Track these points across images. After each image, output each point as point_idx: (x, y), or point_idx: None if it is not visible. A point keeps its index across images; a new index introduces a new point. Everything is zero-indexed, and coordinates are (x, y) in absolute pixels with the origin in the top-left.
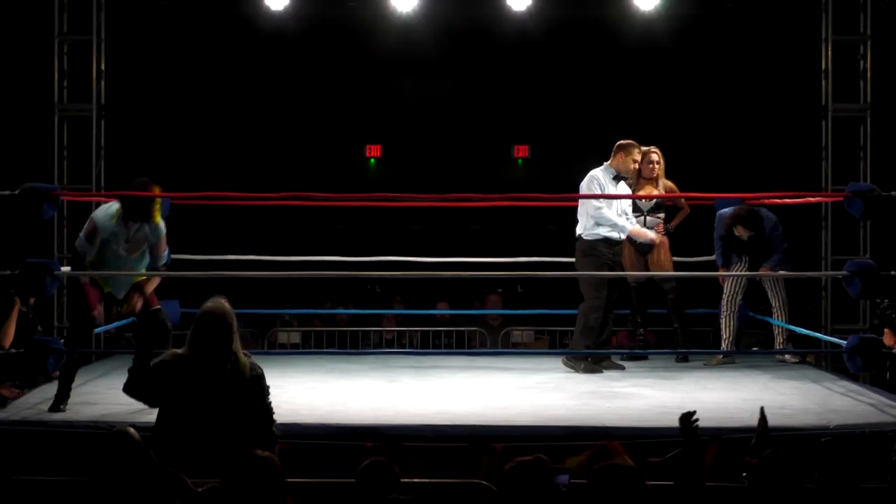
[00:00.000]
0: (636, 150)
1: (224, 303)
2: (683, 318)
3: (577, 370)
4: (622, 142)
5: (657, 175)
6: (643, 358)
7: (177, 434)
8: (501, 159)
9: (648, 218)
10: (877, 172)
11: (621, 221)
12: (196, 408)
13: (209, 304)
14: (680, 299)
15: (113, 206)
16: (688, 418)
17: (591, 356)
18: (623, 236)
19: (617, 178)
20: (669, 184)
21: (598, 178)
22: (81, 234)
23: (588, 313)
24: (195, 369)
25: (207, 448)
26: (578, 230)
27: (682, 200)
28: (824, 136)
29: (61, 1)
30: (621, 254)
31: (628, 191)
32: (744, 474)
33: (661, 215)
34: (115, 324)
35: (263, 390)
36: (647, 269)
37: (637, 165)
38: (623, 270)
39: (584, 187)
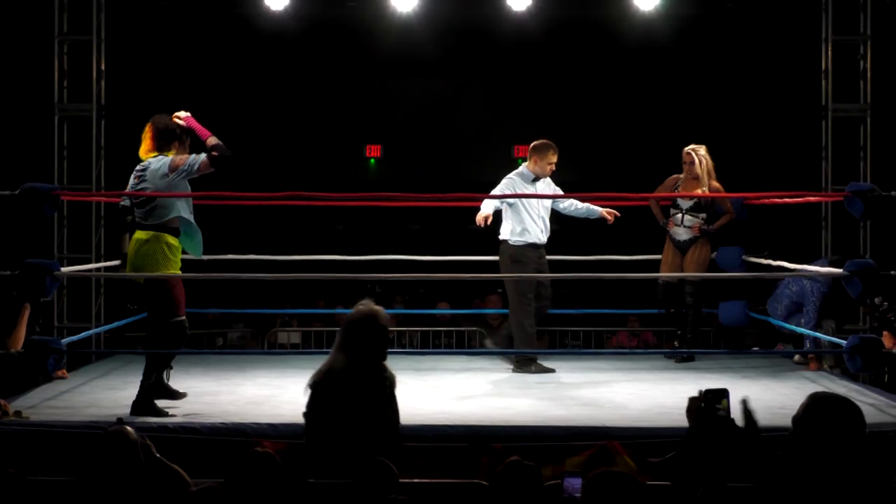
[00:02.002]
0: (551, 152)
1: (377, 307)
2: (699, 319)
3: (529, 372)
4: (536, 143)
5: (698, 174)
6: (690, 359)
7: (331, 439)
8: (501, 159)
9: (686, 216)
10: (877, 172)
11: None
12: (351, 412)
13: (365, 307)
14: (700, 301)
15: (164, 159)
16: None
17: (519, 358)
18: (544, 239)
19: (535, 180)
20: (715, 184)
21: (513, 180)
22: (185, 171)
23: (522, 321)
24: (352, 375)
25: (355, 452)
26: (501, 234)
27: (728, 204)
28: (824, 136)
29: (61, 1)
30: (545, 257)
31: (548, 192)
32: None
33: (702, 216)
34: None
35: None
36: (682, 269)
37: (553, 167)
38: (545, 275)
39: (499, 191)
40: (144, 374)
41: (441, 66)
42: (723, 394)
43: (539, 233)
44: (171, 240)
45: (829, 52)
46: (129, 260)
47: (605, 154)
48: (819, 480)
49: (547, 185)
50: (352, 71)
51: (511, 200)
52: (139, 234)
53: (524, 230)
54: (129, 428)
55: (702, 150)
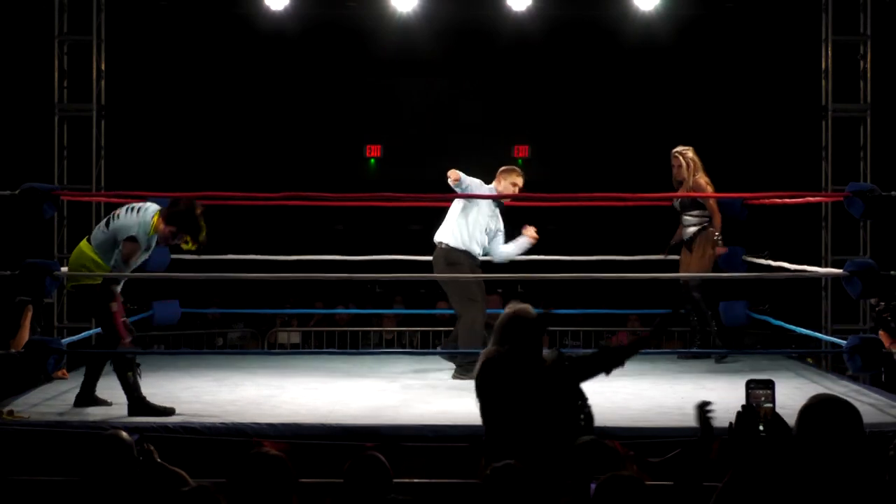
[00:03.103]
0: (514, 174)
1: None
2: (706, 319)
3: (472, 378)
4: (503, 168)
5: (684, 177)
6: (706, 356)
7: (511, 434)
8: (501, 159)
9: (684, 216)
10: (877, 172)
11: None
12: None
13: (518, 306)
14: (705, 300)
15: (147, 215)
16: (704, 407)
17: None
18: (479, 254)
19: (497, 204)
20: (701, 181)
21: (483, 188)
22: (118, 259)
23: (472, 326)
24: (515, 367)
25: (537, 443)
26: (442, 238)
27: (710, 202)
28: (824, 136)
29: (61, 1)
30: (479, 270)
31: (498, 215)
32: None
33: (696, 212)
34: None
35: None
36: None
37: (517, 189)
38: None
39: (476, 186)
40: (119, 379)
41: (441, 66)
42: (768, 385)
43: (477, 246)
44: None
45: (829, 52)
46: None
47: (605, 154)
48: (819, 481)
49: (499, 208)
50: (352, 71)
51: (468, 209)
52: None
53: (467, 239)
54: (123, 432)
55: (689, 152)
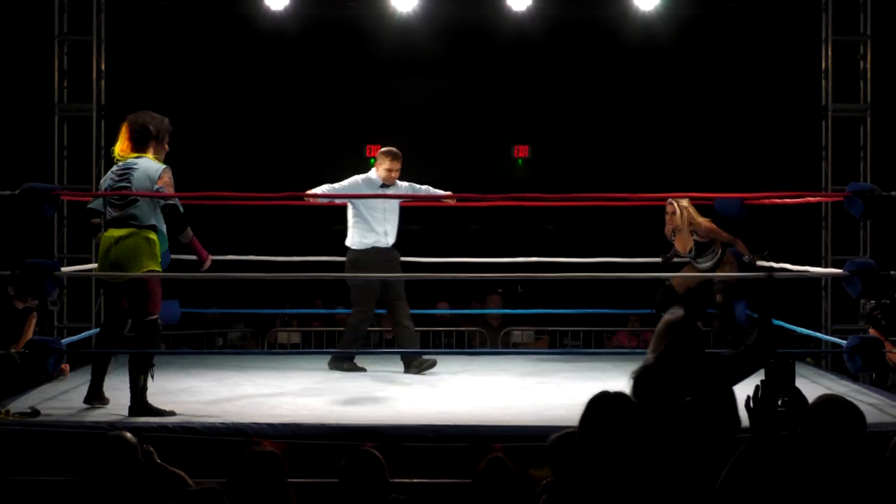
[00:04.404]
0: (386, 159)
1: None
2: (733, 319)
3: (342, 370)
4: (380, 151)
5: (679, 226)
6: None
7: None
8: (501, 159)
9: (697, 264)
10: (877, 172)
11: (318, 189)
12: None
13: (674, 314)
14: (729, 302)
15: (145, 160)
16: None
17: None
18: (390, 242)
19: (383, 186)
20: (705, 225)
21: (357, 183)
22: (162, 199)
23: (357, 325)
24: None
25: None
26: (347, 241)
27: (724, 235)
28: (824, 136)
29: (61, 1)
30: (397, 261)
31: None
32: None
33: (707, 257)
34: None
35: None
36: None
37: (390, 174)
38: (395, 279)
39: (340, 188)
40: (131, 378)
41: (441, 66)
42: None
43: (383, 236)
44: (152, 235)
45: (829, 52)
46: (108, 257)
47: (605, 154)
48: (822, 480)
49: (401, 192)
50: (352, 71)
51: (355, 209)
52: (115, 232)
53: (366, 235)
54: (127, 433)
55: (684, 201)
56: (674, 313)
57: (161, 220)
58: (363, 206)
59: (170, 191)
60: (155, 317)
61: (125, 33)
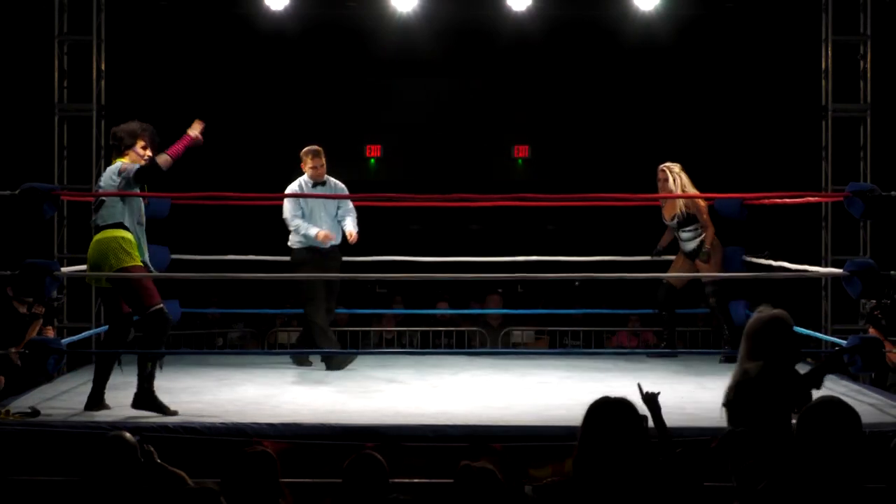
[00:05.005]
0: (308, 157)
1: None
2: (729, 319)
3: (340, 368)
4: (302, 151)
5: (670, 191)
6: (732, 359)
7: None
8: (501, 159)
9: (681, 232)
10: (877, 172)
11: (311, 231)
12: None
13: (766, 312)
14: (722, 302)
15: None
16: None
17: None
18: (327, 245)
19: (315, 185)
20: (694, 196)
21: (297, 185)
22: (128, 182)
23: (314, 320)
24: (768, 380)
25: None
26: (289, 242)
27: (704, 216)
28: (824, 136)
29: (61, 1)
30: (337, 259)
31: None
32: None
33: (692, 227)
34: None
35: None
36: (693, 274)
37: (316, 171)
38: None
39: (286, 200)
40: (139, 366)
41: (441, 65)
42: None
43: (314, 230)
44: (125, 234)
45: (829, 52)
46: (89, 262)
47: (605, 154)
48: (818, 482)
49: (332, 190)
50: (352, 71)
51: (297, 210)
52: (94, 237)
53: (304, 235)
54: (127, 433)
55: (676, 167)
56: (767, 311)
57: (134, 217)
58: (305, 209)
59: (132, 167)
60: (156, 307)
61: (125, 33)
